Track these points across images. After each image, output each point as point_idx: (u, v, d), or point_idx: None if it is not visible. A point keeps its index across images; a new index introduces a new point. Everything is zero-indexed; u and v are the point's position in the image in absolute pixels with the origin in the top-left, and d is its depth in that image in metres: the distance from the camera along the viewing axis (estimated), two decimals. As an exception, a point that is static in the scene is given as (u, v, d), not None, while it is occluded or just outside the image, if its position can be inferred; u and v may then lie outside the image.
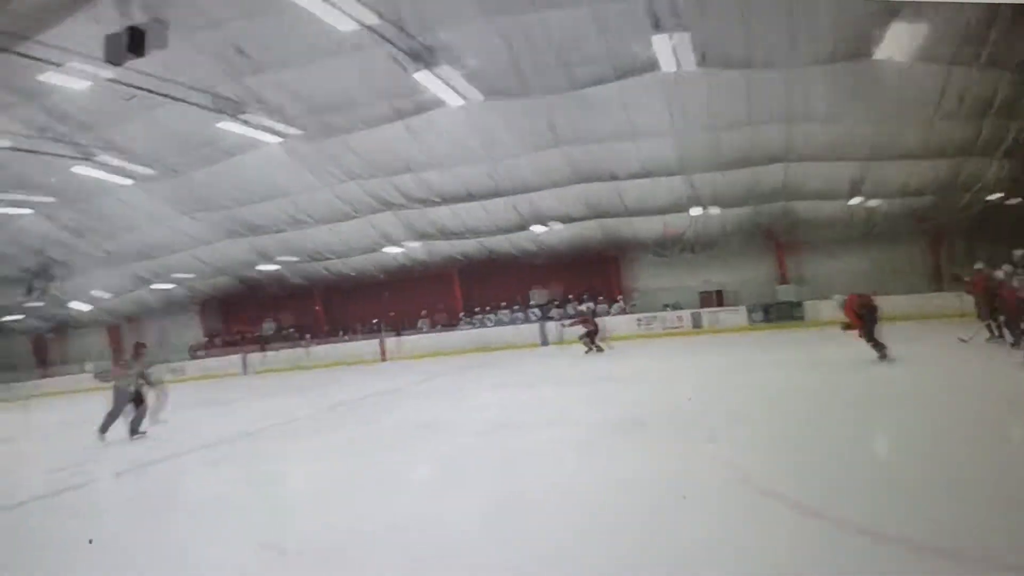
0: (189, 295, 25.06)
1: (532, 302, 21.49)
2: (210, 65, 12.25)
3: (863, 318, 9.67)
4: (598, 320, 16.67)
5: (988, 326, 10.52)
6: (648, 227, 19.27)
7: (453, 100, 12.53)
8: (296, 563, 3.82)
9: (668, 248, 20.46)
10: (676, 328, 19.09)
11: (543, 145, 15.37)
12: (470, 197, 17.60)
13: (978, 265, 11.03)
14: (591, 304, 20.13)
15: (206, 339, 25.73)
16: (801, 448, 5.24)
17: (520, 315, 21.15)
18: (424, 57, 11.63)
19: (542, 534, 3.84)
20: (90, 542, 4.47)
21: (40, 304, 25.17)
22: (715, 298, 20.35)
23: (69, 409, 16.65)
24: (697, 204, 17.54)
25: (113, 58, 9.03)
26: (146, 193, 17.66)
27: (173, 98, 12.26)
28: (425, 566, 3.54)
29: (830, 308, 12.31)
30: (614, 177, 16.79)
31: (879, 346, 9.52)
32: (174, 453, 7.77)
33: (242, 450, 7.92)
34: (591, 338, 15.63)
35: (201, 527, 4.80)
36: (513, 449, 6.37)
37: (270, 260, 21.67)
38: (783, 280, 19.50)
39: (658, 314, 19.51)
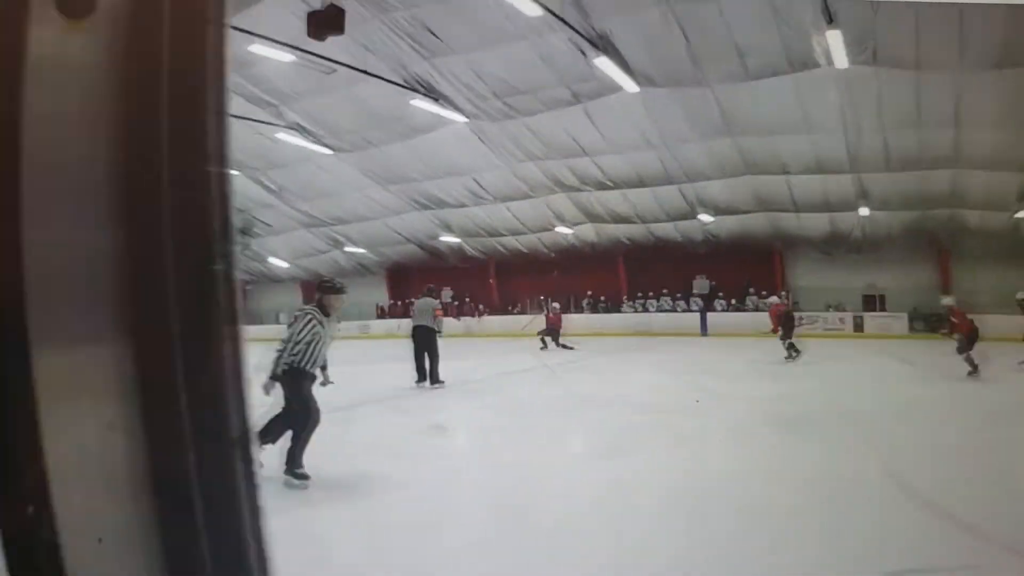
0: (377, 260, 33.00)
1: (694, 291, 25.98)
2: (404, 45, 16.94)
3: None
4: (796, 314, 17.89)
5: None
6: (815, 224, 22.45)
7: (629, 86, 16.52)
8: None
9: (835, 247, 23.58)
10: (837, 330, 22.18)
11: (715, 134, 18.84)
12: (641, 183, 21.82)
13: None
14: (783, 294, 21.91)
15: (391, 302, 33.71)
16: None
17: (682, 303, 25.99)
18: (602, 43, 15.50)
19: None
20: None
21: (242, 258, 34.61)
22: (878, 302, 23.41)
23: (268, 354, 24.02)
24: (865, 203, 20.54)
25: (315, 34, 12.24)
26: (343, 163, 24.04)
27: (370, 74, 17.40)
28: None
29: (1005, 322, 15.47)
30: (785, 171, 20.10)
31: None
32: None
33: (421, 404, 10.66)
34: (788, 333, 15.84)
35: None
36: (670, 430, 7.90)
37: (451, 232, 28.58)
38: (946, 290, 20.95)
39: (820, 314, 22.96)
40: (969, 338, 12.77)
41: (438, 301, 12.88)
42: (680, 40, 15.41)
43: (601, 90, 17.90)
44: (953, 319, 13.28)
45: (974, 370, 12.39)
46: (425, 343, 12.21)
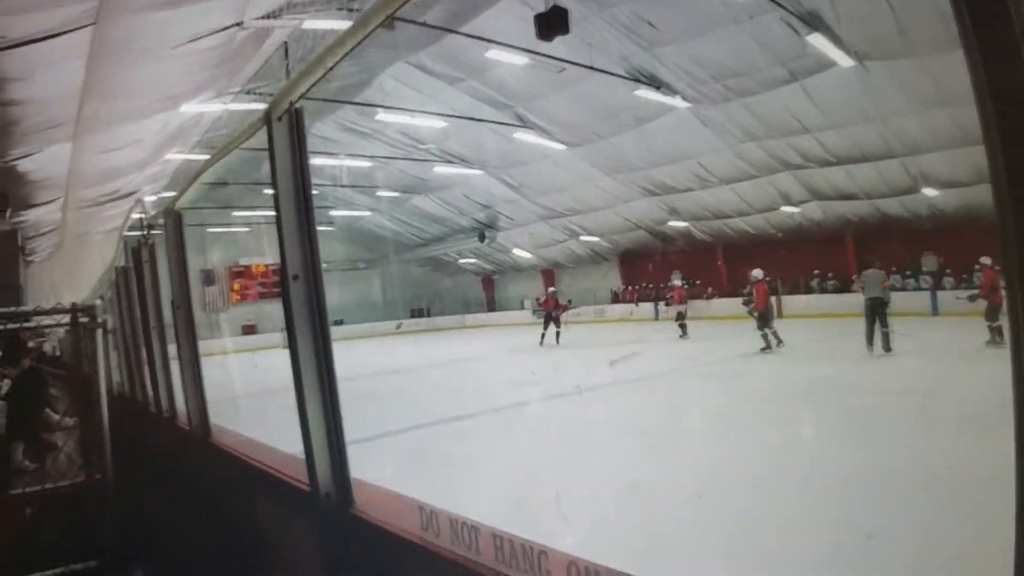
0: (610, 247, 34.61)
1: (924, 268, 25.18)
2: (624, 38, 18.35)
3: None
4: None
5: None
6: None
7: (844, 61, 17.08)
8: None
9: None
10: None
11: (930, 105, 18.61)
12: (863, 158, 21.94)
13: None
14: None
15: (624, 287, 35.19)
16: None
17: (912, 281, 25.11)
18: (813, 20, 16.10)
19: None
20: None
21: (489, 250, 37.63)
22: None
23: (513, 337, 26.16)
24: None
25: (544, 35, 13.61)
26: (575, 156, 26.10)
27: (595, 69, 19.08)
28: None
29: None
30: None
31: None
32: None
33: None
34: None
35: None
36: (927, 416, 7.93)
37: (679, 217, 29.50)
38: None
39: None
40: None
41: (882, 273, 14.53)
42: (887, 11, 15.56)
43: (816, 67, 18.43)
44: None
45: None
46: (877, 312, 13.80)
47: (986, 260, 15.43)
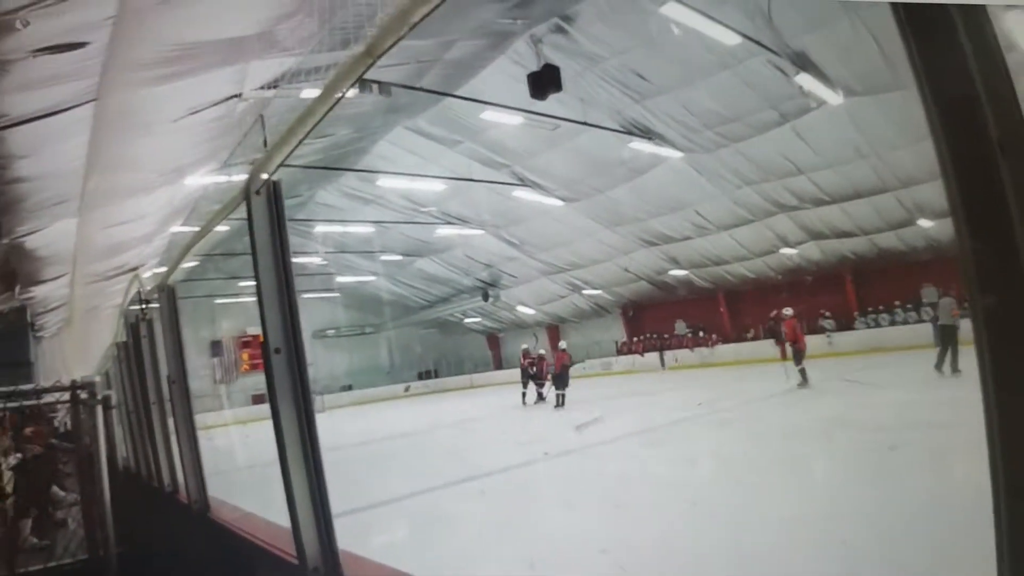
0: (612, 299, 34.46)
1: (924, 300, 24.90)
2: (617, 92, 18.53)
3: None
4: None
5: None
6: None
7: (832, 99, 17.11)
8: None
9: None
10: None
11: (922, 136, 19.38)
12: (857, 194, 21.85)
13: None
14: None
15: (628, 338, 34.91)
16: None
17: (912, 314, 24.88)
18: (800, 60, 16.24)
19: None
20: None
21: (493, 308, 37.53)
22: None
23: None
24: None
25: (537, 93, 13.86)
26: (573, 211, 26.10)
27: (590, 124, 19.27)
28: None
29: None
30: (999, 167, 19.77)
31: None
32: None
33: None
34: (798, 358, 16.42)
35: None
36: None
37: (679, 266, 29.41)
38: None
39: None
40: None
41: (954, 301, 14.77)
42: (873, 47, 15.57)
43: (806, 107, 18.40)
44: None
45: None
46: (947, 339, 14.17)
47: (787, 311, 17.31)
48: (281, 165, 2.37)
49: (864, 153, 20.23)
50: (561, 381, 20.04)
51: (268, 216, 2.33)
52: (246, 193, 2.37)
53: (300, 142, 2.30)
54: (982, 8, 0.96)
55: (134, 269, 13.66)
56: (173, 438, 4.90)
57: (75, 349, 16.85)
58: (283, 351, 2.22)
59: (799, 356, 16.68)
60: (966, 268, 1.02)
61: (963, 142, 1.00)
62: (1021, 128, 0.95)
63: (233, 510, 3.77)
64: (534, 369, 22.16)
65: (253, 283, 2.23)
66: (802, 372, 16.36)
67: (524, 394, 22.21)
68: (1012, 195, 0.97)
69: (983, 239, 1.02)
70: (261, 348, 2.34)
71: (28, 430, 7.76)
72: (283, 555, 2.40)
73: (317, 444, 2.22)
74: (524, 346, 25.14)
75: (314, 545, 2.11)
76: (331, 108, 2.15)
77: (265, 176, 2.34)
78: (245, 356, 39.28)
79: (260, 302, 2.27)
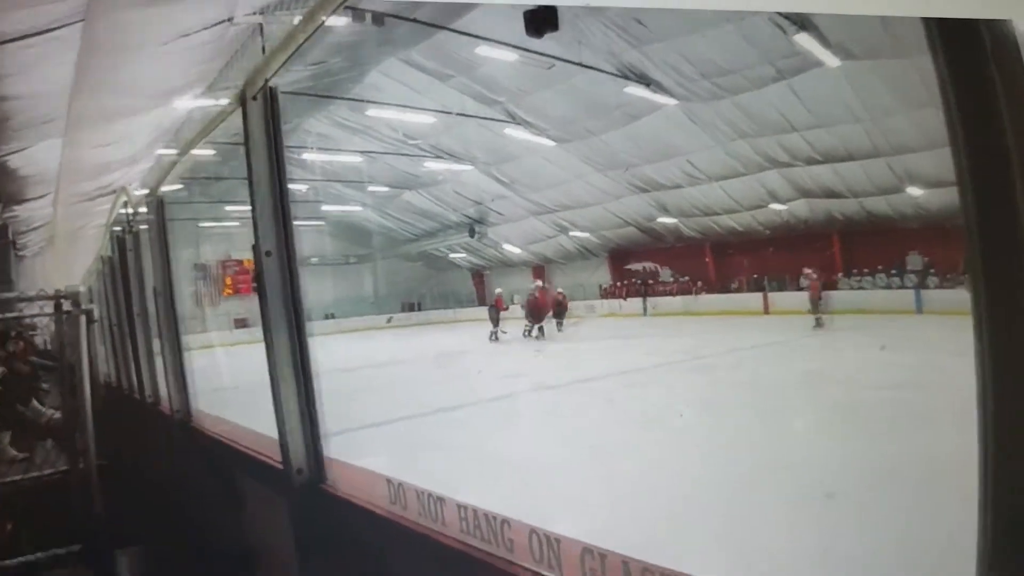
0: (599, 243, 34.63)
1: (909, 267, 25.30)
2: (615, 36, 18.43)
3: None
4: None
5: None
6: None
7: (830, 60, 17.15)
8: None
9: None
10: None
11: (919, 104, 18.41)
12: (849, 156, 22.13)
13: None
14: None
15: (614, 282, 35.24)
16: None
17: (896, 279, 25.24)
18: (800, 20, 16.21)
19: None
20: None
21: (479, 245, 37.69)
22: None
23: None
24: None
25: (533, 32, 13.34)
26: (565, 152, 26.18)
27: (586, 66, 19.14)
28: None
29: None
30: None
31: None
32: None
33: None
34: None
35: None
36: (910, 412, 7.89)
37: (668, 213, 29.54)
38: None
39: None
40: None
41: None
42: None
43: (804, 66, 18.47)
44: None
45: None
46: None
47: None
48: (281, 68, 2.40)
49: (859, 117, 20.26)
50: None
51: (264, 122, 2.40)
52: (242, 99, 2.42)
53: (300, 47, 2.34)
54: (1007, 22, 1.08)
55: (118, 190, 13.70)
56: (156, 350, 5.01)
57: (57, 266, 16.96)
58: (274, 254, 2.30)
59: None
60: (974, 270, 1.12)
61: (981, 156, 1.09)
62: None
63: (216, 420, 3.95)
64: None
65: (238, 208, 2.32)
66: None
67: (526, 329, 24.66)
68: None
69: (992, 246, 1.13)
70: (251, 264, 2.38)
71: (12, 348, 7.88)
72: (267, 459, 2.56)
73: (307, 348, 2.32)
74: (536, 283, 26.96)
75: (299, 448, 2.24)
76: (336, 9, 2.19)
77: (263, 81, 2.39)
78: (228, 281, 39.36)
79: (253, 205, 2.33)
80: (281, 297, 2.28)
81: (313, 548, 2.28)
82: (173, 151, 15.78)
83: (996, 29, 1.14)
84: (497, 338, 24.66)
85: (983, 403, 1.12)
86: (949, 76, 1.14)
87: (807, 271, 22.94)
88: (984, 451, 1.12)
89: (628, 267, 33.89)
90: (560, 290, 26.38)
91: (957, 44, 1.14)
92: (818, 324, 21.62)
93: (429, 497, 1.80)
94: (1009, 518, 1.10)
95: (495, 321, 25.20)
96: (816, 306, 22.57)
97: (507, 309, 25.99)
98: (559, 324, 24.59)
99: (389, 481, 1.95)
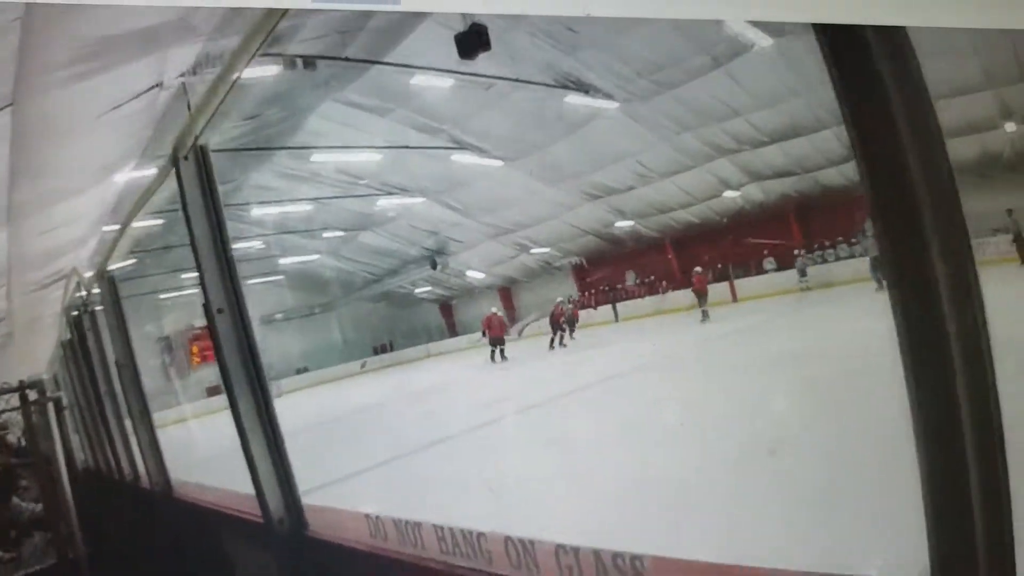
0: (561, 256, 34.78)
1: (868, 232, 25.60)
2: (547, 46, 18.64)
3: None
4: None
5: None
6: (966, 148, 22.04)
7: (762, 40, 17.58)
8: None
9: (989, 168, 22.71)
10: (1007, 253, 21.43)
11: None
12: (795, 133, 22.70)
13: None
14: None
15: (581, 293, 35.35)
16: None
17: (858, 247, 25.64)
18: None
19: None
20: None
21: (443, 276, 37.68)
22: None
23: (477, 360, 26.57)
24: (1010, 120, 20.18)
25: (466, 54, 13.93)
26: (514, 170, 26.30)
27: (523, 81, 19.42)
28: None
29: None
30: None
31: None
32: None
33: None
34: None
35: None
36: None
37: (624, 217, 29.79)
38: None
39: (989, 239, 22.11)
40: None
41: None
42: (793, -16, 15.67)
43: (737, 49, 18.58)
44: None
45: None
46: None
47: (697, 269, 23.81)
48: (206, 126, 2.44)
49: (798, 92, 20.50)
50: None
51: (199, 179, 2.43)
52: (174, 160, 2.47)
53: (224, 98, 2.38)
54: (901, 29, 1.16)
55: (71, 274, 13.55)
56: (128, 425, 4.98)
57: (21, 360, 16.67)
58: (226, 310, 2.32)
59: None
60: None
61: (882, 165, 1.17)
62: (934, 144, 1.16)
63: (195, 487, 3.95)
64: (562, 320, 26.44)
65: (193, 275, 2.33)
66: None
67: (553, 340, 26.48)
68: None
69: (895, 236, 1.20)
70: (204, 311, 2.38)
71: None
72: (248, 516, 2.56)
73: (270, 398, 2.33)
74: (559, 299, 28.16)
75: (277, 499, 2.25)
76: (251, 59, 2.23)
77: (192, 139, 2.43)
78: (195, 349, 38.87)
79: (198, 265, 2.35)
80: (238, 352, 2.31)
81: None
82: (116, 226, 15.66)
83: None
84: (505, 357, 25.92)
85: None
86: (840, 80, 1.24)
87: (697, 269, 25.57)
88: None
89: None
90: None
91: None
92: (705, 317, 23.75)
93: (406, 524, 1.83)
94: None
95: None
96: (702, 300, 24.71)
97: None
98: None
99: (367, 516, 1.98)
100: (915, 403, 1.23)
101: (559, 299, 30.17)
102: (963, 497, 1.24)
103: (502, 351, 25.41)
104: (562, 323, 26.92)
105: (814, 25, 1.26)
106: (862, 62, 1.16)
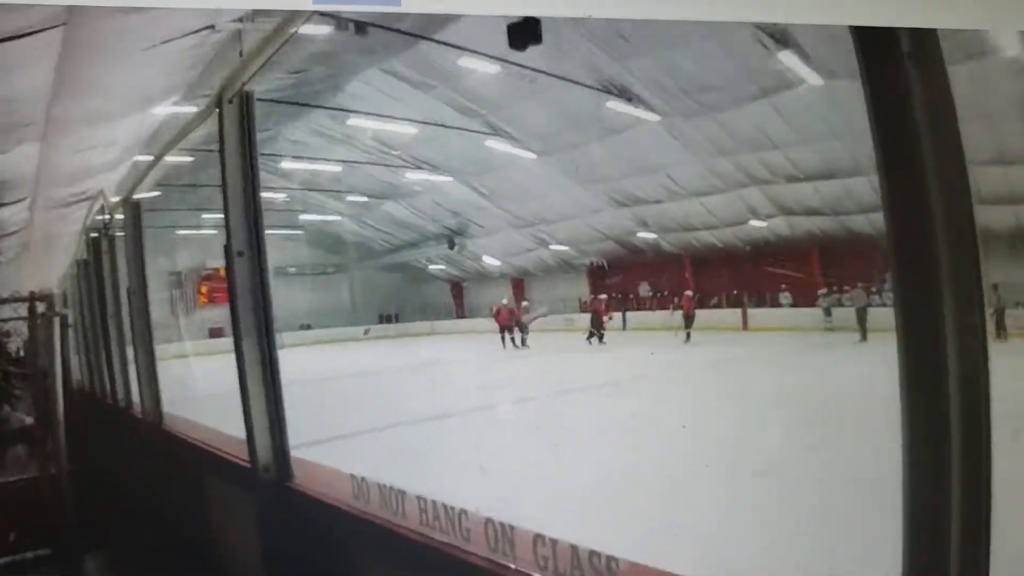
0: (579, 256, 34.86)
1: (886, 284, 25.59)
2: (597, 50, 18.80)
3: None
4: None
5: None
6: (1000, 217, 21.99)
7: (813, 79, 17.74)
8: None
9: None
10: None
11: None
12: (830, 175, 22.65)
13: None
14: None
15: (592, 296, 35.40)
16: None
17: (876, 297, 25.57)
18: (782, 37, 16.65)
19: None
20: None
21: (459, 257, 37.82)
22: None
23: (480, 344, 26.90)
24: None
25: (516, 45, 13.65)
26: (545, 165, 26.52)
27: (568, 80, 19.62)
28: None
29: None
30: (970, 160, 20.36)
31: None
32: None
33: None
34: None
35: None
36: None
37: (647, 228, 29.82)
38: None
39: (1011, 311, 22.01)
40: None
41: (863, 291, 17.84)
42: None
43: (786, 84, 18.58)
44: None
45: None
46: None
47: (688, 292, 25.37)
48: (257, 72, 2.49)
49: (840, 134, 20.44)
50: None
51: (239, 124, 2.50)
52: (218, 102, 2.53)
53: (277, 51, 2.43)
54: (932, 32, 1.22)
55: (96, 196, 13.71)
56: (129, 353, 5.07)
57: (33, 272, 16.89)
58: (246, 255, 2.38)
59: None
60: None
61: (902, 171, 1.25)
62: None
63: (186, 422, 4.05)
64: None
65: (216, 216, 2.39)
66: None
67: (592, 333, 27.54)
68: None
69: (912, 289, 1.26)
70: (224, 252, 2.43)
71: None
72: (235, 459, 2.65)
73: (275, 348, 2.40)
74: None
75: (266, 446, 2.34)
76: (309, 17, 2.27)
77: (239, 85, 2.49)
78: (204, 289, 39.12)
79: (226, 206, 2.41)
80: (251, 298, 2.38)
81: (280, 543, 2.38)
82: (149, 157, 15.83)
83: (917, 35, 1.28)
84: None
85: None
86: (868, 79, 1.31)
87: (687, 292, 27.04)
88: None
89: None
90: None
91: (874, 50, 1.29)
92: (688, 339, 25.13)
93: (390, 490, 1.91)
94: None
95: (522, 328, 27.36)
96: (688, 322, 25.83)
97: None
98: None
99: (353, 477, 2.06)
100: (908, 442, 1.31)
101: (602, 296, 31.04)
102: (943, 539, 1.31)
103: (523, 339, 25.57)
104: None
105: (862, 75, 1.35)
106: (903, 118, 1.24)
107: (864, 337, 18.68)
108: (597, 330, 27.04)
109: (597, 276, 35.53)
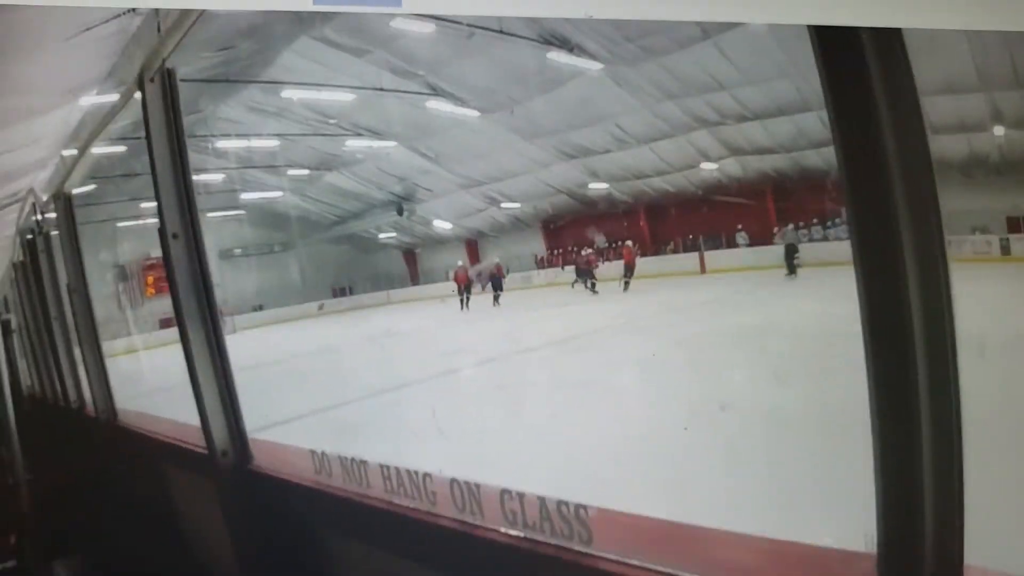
0: (532, 213, 34.85)
1: (844, 219, 25.91)
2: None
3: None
4: None
5: None
6: (954, 146, 22.41)
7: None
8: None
9: (975, 168, 23.13)
10: (984, 253, 22.09)
11: None
12: (780, 112, 22.96)
13: None
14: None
15: (548, 252, 35.52)
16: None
17: (832, 231, 26.01)
18: None
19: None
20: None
21: (409, 223, 37.63)
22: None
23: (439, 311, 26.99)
24: (1000, 123, 20.31)
25: None
26: (490, 122, 26.50)
27: (506, 33, 19.43)
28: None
29: None
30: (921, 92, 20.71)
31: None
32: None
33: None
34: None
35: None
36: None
37: (598, 179, 29.88)
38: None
39: (968, 237, 22.61)
40: None
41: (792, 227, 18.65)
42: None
43: (728, 23, 18.63)
44: None
45: None
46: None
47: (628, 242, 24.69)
48: (175, 49, 2.45)
49: (786, 73, 20.50)
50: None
51: (163, 102, 2.47)
52: (139, 82, 2.49)
53: (195, 20, 2.39)
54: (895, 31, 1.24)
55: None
56: (76, 353, 5.00)
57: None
58: (181, 236, 2.37)
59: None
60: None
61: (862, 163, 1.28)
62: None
63: (140, 416, 4.03)
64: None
65: (154, 204, 2.35)
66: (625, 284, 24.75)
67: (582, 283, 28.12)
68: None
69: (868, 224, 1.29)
70: (159, 235, 2.41)
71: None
72: (192, 448, 2.66)
73: (220, 329, 2.40)
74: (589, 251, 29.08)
75: (221, 430, 2.34)
76: None
77: (160, 62, 2.44)
78: (150, 279, 38.52)
79: (156, 188, 2.38)
80: (191, 279, 2.37)
81: (246, 526, 2.39)
82: (76, 150, 15.47)
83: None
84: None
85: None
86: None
87: (627, 243, 27.42)
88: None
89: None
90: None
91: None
92: (626, 288, 25.67)
93: (352, 462, 1.93)
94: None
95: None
96: (628, 272, 26.46)
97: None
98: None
99: (313, 453, 2.08)
100: (873, 383, 1.36)
101: (588, 250, 30.36)
102: (915, 476, 1.35)
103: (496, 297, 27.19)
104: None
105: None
106: (851, 55, 1.27)
107: (791, 272, 19.39)
108: (587, 280, 27.35)
109: (551, 232, 35.66)
